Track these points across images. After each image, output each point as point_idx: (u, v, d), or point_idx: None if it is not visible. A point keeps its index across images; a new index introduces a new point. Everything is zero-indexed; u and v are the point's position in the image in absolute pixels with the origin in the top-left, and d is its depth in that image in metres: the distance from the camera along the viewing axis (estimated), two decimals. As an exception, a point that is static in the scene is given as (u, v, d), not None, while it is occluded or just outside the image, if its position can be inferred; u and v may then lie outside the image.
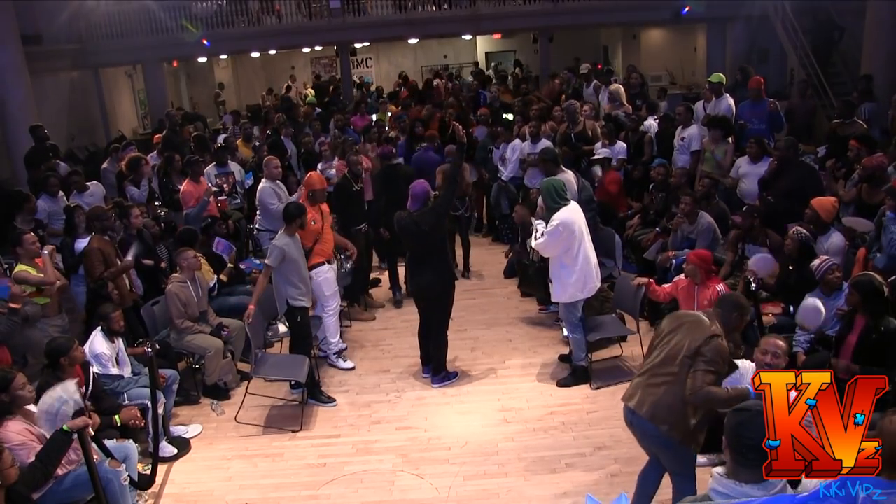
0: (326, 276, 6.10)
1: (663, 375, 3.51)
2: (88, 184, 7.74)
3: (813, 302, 4.70)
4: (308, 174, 6.57)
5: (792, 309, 5.13)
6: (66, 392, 3.91)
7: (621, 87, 10.31)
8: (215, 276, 6.54)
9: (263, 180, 7.34)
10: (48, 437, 3.81)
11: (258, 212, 7.45)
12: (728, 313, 3.60)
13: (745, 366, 4.01)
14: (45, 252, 5.43)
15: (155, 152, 9.44)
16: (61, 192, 7.39)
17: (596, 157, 8.26)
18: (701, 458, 4.53)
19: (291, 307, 5.61)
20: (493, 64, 20.85)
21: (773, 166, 6.50)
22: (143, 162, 7.93)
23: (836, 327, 4.65)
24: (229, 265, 6.69)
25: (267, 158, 7.53)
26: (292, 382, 5.79)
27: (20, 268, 5.31)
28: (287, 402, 5.74)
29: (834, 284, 4.80)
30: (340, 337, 6.42)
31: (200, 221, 7.10)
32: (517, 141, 8.92)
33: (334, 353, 6.24)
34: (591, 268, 5.43)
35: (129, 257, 6.02)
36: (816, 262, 4.89)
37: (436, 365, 5.80)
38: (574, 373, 5.68)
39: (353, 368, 6.19)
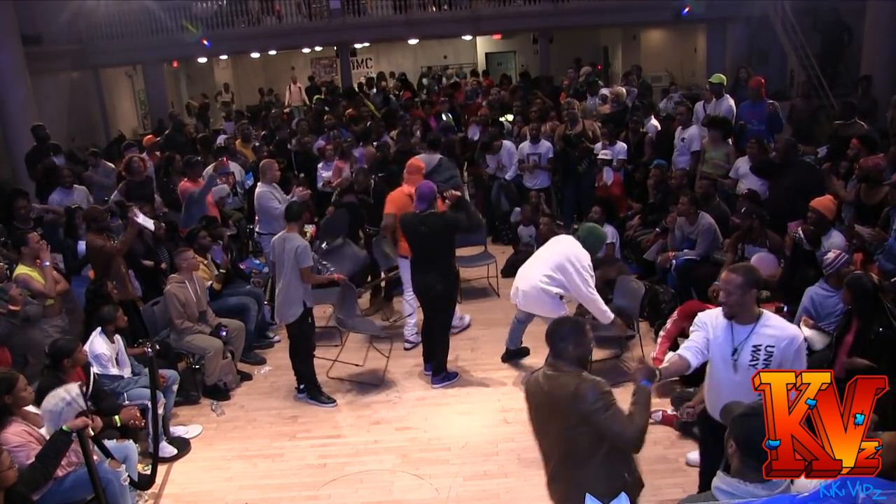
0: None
1: (566, 469, 3.04)
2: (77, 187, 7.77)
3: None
4: (410, 159, 6.62)
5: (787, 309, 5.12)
6: (70, 394, 3.90)
7: (615, 86, 10.30)
8: (209, 282, 6.50)
9: (260, 184, 7.19)
10: (48, 437, 3.81)
11: (257, 216, 7.38)
12: (574, 347, 2.99)
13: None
14: (46, 263, 5.40)
15: (146, 153, 9.40)
16: (75, 186, 7.44)
17: (601, 158, 8.24)
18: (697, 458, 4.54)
19: (307, 308, 5.52)
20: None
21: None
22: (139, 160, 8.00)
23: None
24: (221, 270, 6.60)
25: (266, 162, 7.39)
26: (300, 387, 5.76)
27: (23, 271, 5.29)
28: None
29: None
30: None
31: (202, 210, 7.06)
32: (510, 144, 8.91)
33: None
34: None
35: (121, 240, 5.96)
36: (831, 255, 4.81)
37: (436, 365, 5.80)
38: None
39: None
